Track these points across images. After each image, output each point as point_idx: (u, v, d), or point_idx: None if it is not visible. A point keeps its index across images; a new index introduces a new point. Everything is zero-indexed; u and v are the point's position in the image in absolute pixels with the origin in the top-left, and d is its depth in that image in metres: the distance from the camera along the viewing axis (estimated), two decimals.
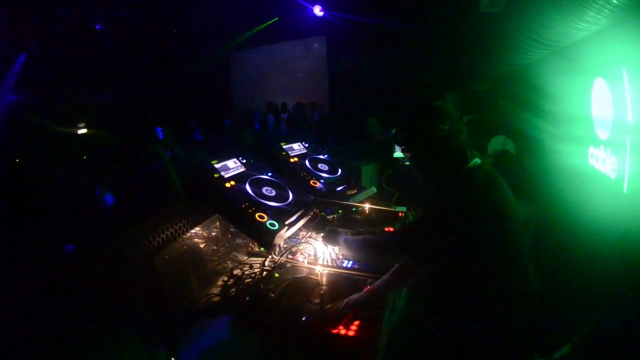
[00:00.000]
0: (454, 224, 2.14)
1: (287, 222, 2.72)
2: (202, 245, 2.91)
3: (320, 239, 2.95)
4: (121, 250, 2.29)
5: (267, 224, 2.60)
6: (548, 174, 5.08)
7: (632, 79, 3.49)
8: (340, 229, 3.03)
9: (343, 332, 2.19)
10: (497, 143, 6.32)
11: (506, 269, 2.21)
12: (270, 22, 13.46)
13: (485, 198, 2.22)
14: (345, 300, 2.36)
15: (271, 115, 13.36)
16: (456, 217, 2.15)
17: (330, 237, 2.77)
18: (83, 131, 11.28)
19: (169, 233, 2.58)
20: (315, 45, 14.40)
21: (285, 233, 2.72)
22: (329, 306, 2.35)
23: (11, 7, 9.38)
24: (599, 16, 3.47)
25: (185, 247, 2.67)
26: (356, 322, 2.25)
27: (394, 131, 2.56)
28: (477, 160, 2.32)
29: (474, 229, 2.13)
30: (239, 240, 3.22)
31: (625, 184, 3.53)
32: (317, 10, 11.77)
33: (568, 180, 4.66)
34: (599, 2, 3.31)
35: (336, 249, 3.00)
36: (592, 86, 4.28)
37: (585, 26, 3.74)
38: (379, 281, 2.48)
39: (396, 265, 2.50)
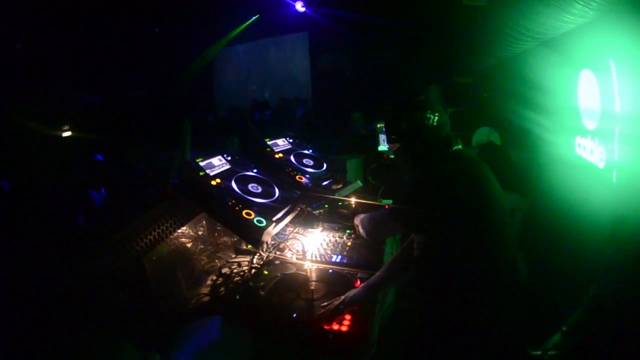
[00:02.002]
0: (437, 193, 2.29)
1: (274, 219, 2.69)
2: (189, 245, 2.89)
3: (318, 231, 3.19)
4: (110, 253, 2.27)
5: (255, 220, 2.58)
6: (534, 164, 5.10)
7: (620, 70, 3.53)
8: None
9: (336, 327, 2.19)
10: (481, 134, 6.33)
11: (489, 249, 2.31)
12: (251, 20, 13.42)
13: (464, 171, 2.40)
14: (342, 297, 2.37)
15: (257, 112, 13.30)
16: (438, 186, 2.31)
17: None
18: (67, 134, 11.18)
19: (155, 234, 2.55)
20: (297, 41, 14.34)
21: (273, 229, 2.70)
22: (325, 304, 2.35)
23: None
24: (586, 9, 3.48)
25: (172, 248, 2.64)
26: (348, 318, 2.25)
27: (379, 124, 2.70)
28: (460, 147, 2.49)
29: (453, 198, 2.26)
30: (226, 239, 3.21)
31: (614, 173, 3.56)
32: (299, 6, 11.71)
33: (555, 170, 4.67)
34: None
35: (325, 243, 3.12)
36: (578, 77, 4.30)
37: (572, 19, 3.75)
38: (374, 276, 2.52)
39: (390, 260, 2.64)
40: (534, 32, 4.54)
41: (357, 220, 2.99)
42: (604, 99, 3.78)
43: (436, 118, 2.41)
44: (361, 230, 2.91)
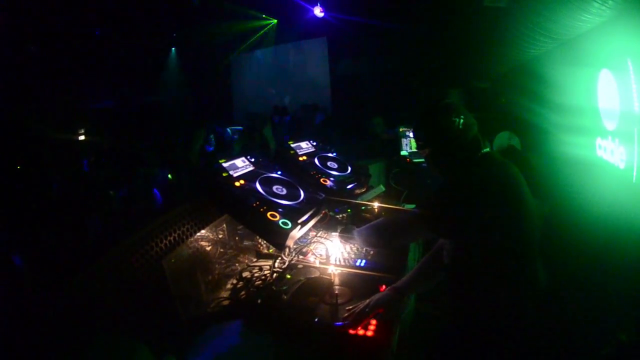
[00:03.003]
0: (469, 198, 2.24)
1: (300, 221, 2.64)
2: (208, 248, 2.82)
3: (337, 238, 2.99)
4: (128, 254, 2.23)
5: (280, 222, 2.52)
6: (554, 167, 5.06)
7: (638, 69, 3.50)
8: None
9: (362, 332, 2.13)
10: (502, 139, 6.29)
11: (520, 254, 2.27)
12: (269, 26, 13.48)
13: (495, 174, 2.37)
14: (367, 300, 2.30)
15: (277, 118, 13.28)
16: (470, 191, 2.26)
17: (347, 234, 2.88)
18: (82, 137, 11.27)
19: (176, 235, 2.53)
20: (316, 46, 14.34)
21: (298, 232, 2.64)
22: (349, 307, 2.29)
23: (11, 11, 9.30)
24: (603, 7, 3.50)
25: (192, 251, 2.59)
26: (373, 322, 2.19)
27: (401, 129, 2.71)
28: (487, 149, 2.46)
29: (486, 202, 2.23)
30: (246, 242, 3.15)
31: (635, 173, 3.53)
32: (318, 11, 11.71)
33: (575, 173, 4.64)
34: None
35: (348, 247, 3.04)
36: (597, 78, 4.26)
37: (590, 18, 3.76)
38: (401, 280, 2.45)
39: (418, 264, 2.58)
40: (553, 32, 4.53)
41: (356, 235, 2.84)
42: (623, 99, 3.76)
43: (462, 121, 2.40)
44: (363, 241, 2.81)
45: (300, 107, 13.24)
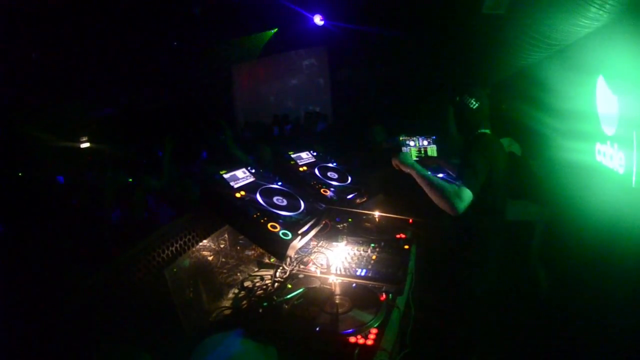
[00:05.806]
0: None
1: (300, 232, 2.65)
2: (210, 258, 2.85)
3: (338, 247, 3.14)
4: (131, 264, 2.25)
5: (280, 233, 2.54)
6: (554, 174, 5.07)
7: (637, 74, 3.53)
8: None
9: (362, 341, 2.14)
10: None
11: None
12: (270, 33, 13.50)
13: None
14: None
15: (276, 128, 13.27)
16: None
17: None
18: (86, 145, 11.27)
19: (177, 246, 2.55)
20: (317, 54, 14.36)
21: (298, 243, 2.65)
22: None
23: (13, 18, 9.31)
24: (600, 12, 3.51)
25: (194, 260, 2.61)
26: (373, 332, 2.20)
27: (402, 137, 3.29)
28: (486, 131, 3.49)
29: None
30: (248, 252, 3.18)
31: (634, 177, 3.55)
32: (318, 20, 11.70)
33: (575, 179, 4.65)
34: None
35: (349, 257, 3.04)
36: (596, 83, 4.28)
37: (588, 23, 3.79)
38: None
39: None
40: (551, 38, 4.55)
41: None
42: (622, 104, 3.77)
43: (477, 104, 3.39)
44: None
45: (305, 115, 13.23)
